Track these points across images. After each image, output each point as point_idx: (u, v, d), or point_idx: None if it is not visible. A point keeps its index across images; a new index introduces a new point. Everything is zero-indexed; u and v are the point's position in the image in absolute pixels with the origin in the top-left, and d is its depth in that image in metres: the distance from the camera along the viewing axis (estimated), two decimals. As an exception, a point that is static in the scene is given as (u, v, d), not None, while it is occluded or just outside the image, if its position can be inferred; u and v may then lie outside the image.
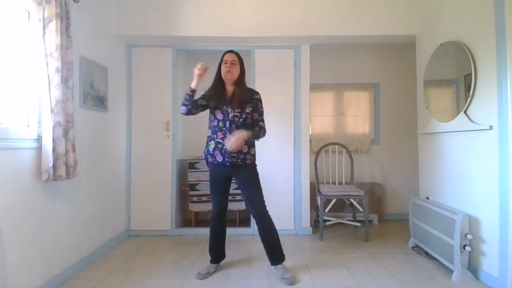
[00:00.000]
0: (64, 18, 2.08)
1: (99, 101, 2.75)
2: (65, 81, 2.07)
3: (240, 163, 2.22)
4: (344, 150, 3.62)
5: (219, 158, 2.22)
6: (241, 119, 2.21)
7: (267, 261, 2.53)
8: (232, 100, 2.22)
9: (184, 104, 2.23)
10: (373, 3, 3.05)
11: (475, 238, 2.23)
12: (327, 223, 3.38)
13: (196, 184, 3.49)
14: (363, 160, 4.07)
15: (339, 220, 3.45)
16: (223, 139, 2.19)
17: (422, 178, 3.02)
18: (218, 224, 2.37)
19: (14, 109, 1.93)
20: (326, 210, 3.34)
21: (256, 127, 2.23)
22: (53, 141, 1.98)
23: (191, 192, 3.49)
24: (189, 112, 2.24)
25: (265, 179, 3.28)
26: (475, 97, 2.27)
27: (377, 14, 3.04)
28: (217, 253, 2.41)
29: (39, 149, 1.99)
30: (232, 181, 2.37)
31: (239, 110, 2.21)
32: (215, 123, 2.24)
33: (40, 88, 2.01)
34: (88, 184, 2.57)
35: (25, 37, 2.00)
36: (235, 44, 3.30)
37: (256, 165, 2.32)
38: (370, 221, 3.71)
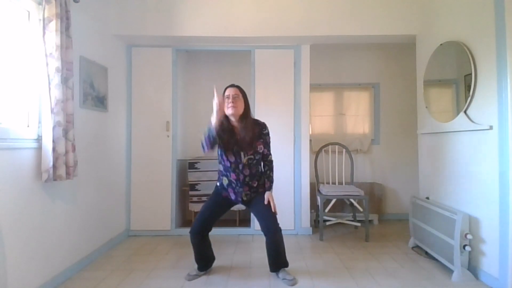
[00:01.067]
0: (64, 18, 2.08)
1: (99, 101, 2.75)
2: (65, 81, 2.07)
3: (253, 196, 2.27)
4: (344, 150, 3.62)
5: (232, 196, 2.27)
6: (254, 161, 2.21)
7: (267, 261, 2.54)
8: (243, 142, 2.16)
9: (206, 144, 2.08)
10: (373, 3, 3.05)
11: (475, 238, 2.23)
12: (327, 223, 3.38)
13: (196, 184, 3.49)
14: (363, 160, 4.07)
15: (339, 220, 3.45)
16: (236, 180, 2.21)
17: (422, 178, 3.02)
18: (198, 240, 2.27)
19: (14, 109, 1.93)
20: (326, 210, 3.34)
21: (267, 171, 2.27)
22: (53, 141, 1.98)
23: (191, 192, 3.49)
24: (211, 149, 2.14)
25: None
26: (475, 97, 2.27)
27: (377, 14, 3.04)
28: (203, 262, 2.35)
29: (39, 149, 1.99)
30: None
31: (251, 152, 2.18)
32: (228, 164, 2.20)
33: (40, 88, 2.01)
34: (88, 184, 2.57)
35: (25, 37, 2.00)
36: (235, 44, 3.30)
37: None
38: (370, 221, 3.71)
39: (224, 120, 2.17)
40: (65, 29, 2.09)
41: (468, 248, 2.20)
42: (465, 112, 2.35)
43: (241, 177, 2.20)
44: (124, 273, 2.37)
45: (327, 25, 3.07)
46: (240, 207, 3.44)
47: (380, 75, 4.08)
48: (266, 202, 2.21)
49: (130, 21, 3.05)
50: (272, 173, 2.30)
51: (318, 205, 3.36)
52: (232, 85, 2.24)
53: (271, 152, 2.31)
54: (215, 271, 2.41)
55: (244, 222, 3.57)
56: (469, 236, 2.20)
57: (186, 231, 3.33)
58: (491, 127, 2.11)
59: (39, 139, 2.02)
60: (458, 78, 2.53)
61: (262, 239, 3.12)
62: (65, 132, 2.07)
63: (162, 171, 3.32)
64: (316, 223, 3.56)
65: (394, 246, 2.97)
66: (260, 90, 3.34)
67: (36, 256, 1.97)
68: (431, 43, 2.81)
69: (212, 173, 3.49)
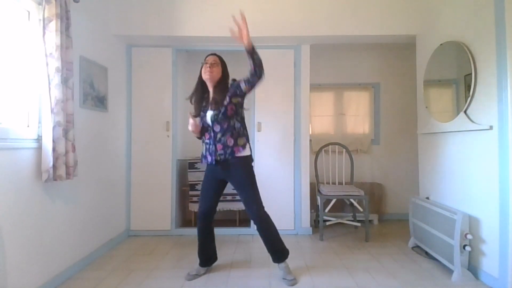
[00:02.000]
0: (64, 18, 2.08)
1: (99, 101, 2.75)
2: (65, 81, 2.07)
3: (229, 157, 2.16)
4: (344, 150, 3.62)
5: (209, 159, 2.22)
6: (220, 115, 2.16)
7: (267, 261, 2.54)
8: (210, 102, 2.23)
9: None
10: (373, 3, 3.05)
11: (475, 238, 2.23)
12: (327, 223, 3.38)
13: (196, 184, 3.48)
14: (363, 160, 4.07)
15: (339, 220, 3.44)
16: (209, 138, 2.22)
17: (422, 178, 3.02)
18: (204, 225, 2.32)
19: (14, 109, 1.93)
20: (326, 210, 3.34)
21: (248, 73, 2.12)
22: (53, 141, 1.98)
23: (191, 192, 3.49)
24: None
25: (265, 179, 3.29)
26: (475, 97, 2.27)
27: (377, 14, 3.04)
28: (205, 256, 2.36)
29: (39, 149, 1.99)
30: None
31: (214, 107, 2.19)
32: (201, 125, 2.29)
33: (40, 88, 2.01)
34: (88, 184, 2.57)
35: (25, 37, 2.00)
36: (235, 44, 3.28)
37: (249, 162, 2.25)
38: (370, 221, 3.71)
39: (200, 85, 2.29)
40: (65, 29, 2.09)
41: (468, 248, 2.20)
42: (465, 112, 2.35)
43: (212, 134, 2.19)
44: (124, 273, 2.37)
45: (327, 25, 3.07)
46: (240, 206, 3.47)
47: (380, 75, 4.08)
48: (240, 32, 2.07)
49: (130, 21, 3.04)
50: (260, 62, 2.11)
51: (318, 205, 3.36)
52: (213, 54, 2.29)
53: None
54: (215, 270, 2.41)
55: (244, 222, 3.57)
56: (469, 236, 2.20)
57: (186, 231, 3.37)
58: (491, 127, 2.11)
59: (39, 139, 2.02)
60: (458, 78, 2.53)
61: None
62: (65, 132, 2.07)
63: (162, 171, 3.32)
64: (316, 223, 3.56)
65: (394, 246, 2.97)
66: (260, 90, 3.33)
67: (36, 256, 1.97)
68: (431, 43, 2.81)
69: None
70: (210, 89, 2.28)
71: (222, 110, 2.17)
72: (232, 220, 3.63)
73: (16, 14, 1.95)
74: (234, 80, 2.30)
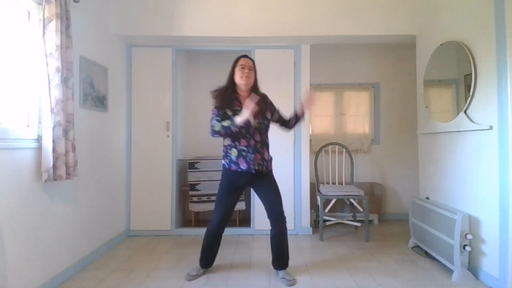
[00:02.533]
0: (64, 18, 2.08)
1: (99, 101, 2.75)
2: (65, 81, 2.07)
3: (265, 170, 2.21)
4: (344, 150, 3.62)
5: (243, 166, 2.14)
6: (263, 125, 2.20)
7: (267, 261, 2.54)
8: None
9: (222, 134, 2.12)
10: (373, 3, 3.05)
11: (475, 238, 2.23)
12: (327, 223, 3.38)
13: (196, 184, 3.49)
14: (363, 160, 4.07)
15: (339, 220, 3.45)
16: (247, 146, 2.14)
17: (422, 178, 3.02)
18: (218, 233, 2.30)
19: (14, 109, 1.93)
20: (326, 210, 3.34)
21: (287, 118, 2.33)
22: (53, 141, 1.98)
23: (191, 192, 3.49)
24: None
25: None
26: (475, 97, 2.27)
27: (377, 14, 3.04)
28: (208, 259, 2.36)
29: (39, 149, 1.99)
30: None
31: (261, 117, 2.18)
32: (234, 130, 2.13)
33: (40, 88, 2.01)
34: (88, 184, 2.57)
35: (25, 37, 2.00)
36: (235, 44, 3.30)
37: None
38: (370, 221, 3.71)
39: (230, 87, 2.22)
40: (65, 29, 2.09)
41: (468, 248, 2.20)
42: (465, 112, 2.35)
43: (252, 142, 2.14)
44: (124, 273, 2.37)
45: (327, 25, 3.07)
46: (240, 206, 3.47)
47: (380, 75, 4.08)
48: (305, 104, 2.23)
49: (130, 21, 3.04)
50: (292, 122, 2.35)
51: (318, 205, 3.36)
52: (246, 56, 2.27)
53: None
54: (215, 271, 2.41)
55: (244, 222, 3.57)
56: (469, 236, 2.20)
57: (186, 231, 3.37)
58: (491, 127, 2.11)
59: (39, 139, 2.02)
60: (458, 78, 2.53)
61: (262, 239, 3.14)
62: (65, 132, 2.07)
63: (162, 171, 3.32)
64: (316, 223, 3.56)
65: (394, 246, 2.97)
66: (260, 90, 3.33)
67: (36, 256, 1.97)
68: (431, 43, 2.81)
69: (212, 173, 3.49)
70: (243, 92, 2.23)
71: (266, 123, 2.22)
72: (232, 220, 3.61)
73: (16, 14, 1.95)
74: (266, 97, 2.31)
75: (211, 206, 3.49)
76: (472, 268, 2.27)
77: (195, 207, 3.49)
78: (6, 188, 1.75)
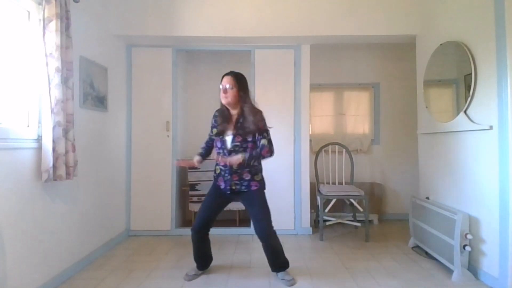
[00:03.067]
0: (64, 18, 2.08)
1: (99, 101, 2.75)
2: (65, 81, 2.07)
3: (245, 190, 2.18)
4: (344, 150, 3.62)
5: (222, 185, 2.21)
6: (241, 148, 2.12)
7: (267, 261, 2.54)
8: (236, 127, 2.15)
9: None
10: (373, 3, 3.05)
11: (475, 238, 2.23)
12: (327, 223, 3.38)
13: (196, 184, 3.49)
14: (363, 160, 4.06)
15: (339, 220, 3.45)
16: (225, 166, 2.16)
17: (422, 178, 3.02)
18: (198, 237, 2.27)
19: (14, 109, 1.93)
20: (326, 210, 3.34)
21: (257, 149, 2.14)
22: (53, 141, 1.97)
23: (191, 192, 3.49)
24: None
25: (265, 179, 3.29)
26: (475, 97, 2.27)
27: (377, 14, 3.04)
28: (202, 261, 2.35)
29: (39, 149, 1.99)
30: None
31: (240, 139, 2.13)
32: (217, 149, 2.24)
33: (40, 88, 2.01)
34: (88, 184, 2.57)
35: (25, 37, 2.00)
36: (235, 44, 3.30)
37: (262, 190, 2.24)
38: (370, 221, 3.71)
39: (224, 107, 2.22)
40: (65, 29, 2.09)
41: (468, 248, 2.20)
42: (465, 112, 2.35)
43: (225, 159, 2.10)
44: (124, 273, 2.37)
45: (327, 25, 3.07)
46: (240, 206, 3.47)
47: (380, 75, 4.08)
48: (233, 160, 2.05)
49: (130, 21, 3.04)
50: (261, 153, 2.11)
51: (318, 205, 3.36)
52: (227, 74, 2.18)
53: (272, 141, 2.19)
54: (215, 271, 2.41)
55: (244, 222, 3.56)
56: (469, 236, 2.20)
57: (186, 231, 3.36)
58: (491, 127, 2.11)
59: (39, 139, 2.02)
60: (458, 78, 2.53)
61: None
62: (65, 132, 2.07)
63: (162, 171, 3.32)
64: (316, 223, 3.56)
65: (394, 246, 2.97)
66: (260, 90, 3.33)
67: (36, 256, 1.97)
68: (431, 43, 2.81)
69: (212, 173, 3.46)
70: (232, 111, 2.21)
71: (244, 145, 2.13)
72: (232, 220, 3.63)
73: (16, 14, 1.95)
74: (261, 118, 2.17)
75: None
76: (472, 268, 2.27)
77: (195, 207, 3.48)
78: (6, 188, 1.75)
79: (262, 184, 2.25)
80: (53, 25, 1.98)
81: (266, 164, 3.30)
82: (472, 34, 2.32)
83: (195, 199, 3.48)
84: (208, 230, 2.29)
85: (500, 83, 2.04)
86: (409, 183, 3.90)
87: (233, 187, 2.18)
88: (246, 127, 2.12)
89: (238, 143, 2.13)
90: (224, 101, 2.16)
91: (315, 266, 2.50)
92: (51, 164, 1.95)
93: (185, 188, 3.61)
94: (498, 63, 2.05)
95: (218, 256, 2.70)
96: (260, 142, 2.14)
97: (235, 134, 2.14)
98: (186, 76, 3.95)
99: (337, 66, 4.09)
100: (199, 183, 3.49)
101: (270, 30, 3.08)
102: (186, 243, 3.07)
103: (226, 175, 2.17)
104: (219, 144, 2.20)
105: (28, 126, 2.01)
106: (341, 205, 3.68)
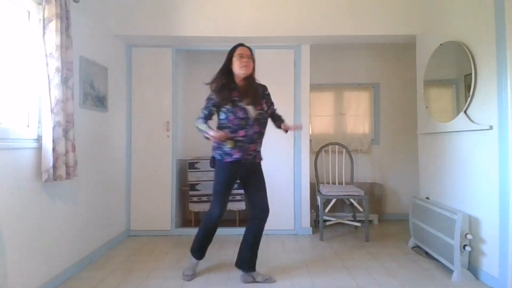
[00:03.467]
0: (64, 18, 2.08)
1: (99, 101, 2.75)
2: (65, 81, 2.07)
3: (252, 159, 2.19)
4: (344, 150, 3.62)
5: (237, 155, 2.11)
6: (262, 116, 2.19)
7: (266, 262, 2.56)
8: (248, 96, 2.14)
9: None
10: (373, 3, 3.05)
11: (475, 238, 2.23)
12: (327, 223, 3.38)
13: (196, 184, 3.48)
14: (363, 160, 4.06)
15: (339, 220, 3.45)
16: (244, 136, 2.10)
17: (422, 178, 3.02)
18: (216, 226, 2.27)
19: (14, 109, 1.93)
20: (326, 210, 3.34)
21: (280, 117, 2.34)
22: (53, 141, 1.97)
23: (191, 192, 3.49)
24: None
25: (265, 179, 3.29)
26: (475, 97, 2.27)
27: (377, 14, 3.04)
28: (203, 250, 2.33)
29: (39, 149, 1.99)
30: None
31: (259, 108, 2.17)
32: (236, 121, 2.09)
33: (40, 88, 2.01)
34: (88, 184, 2.57)
35: (25, 37, 2.00)
36: (235, 44, 3.29)
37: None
38: (370, 221, 3.71)
39: (226, 78, 2.18)
40: (65, 29, 2.09)
41: (468, 248, 2.20)
42: (465, 112, 2.35)
43: (250, 132, 2.11)
44: (124, 273, 2.37)
45: (327, 25, 3.07)
46: (240, 206, 3.47)
47: (380, 75, 4.08)
48: (290, 128, 2.26)
49: (130, 21, 3.04)
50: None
51: (318, 205, 3.36)
52: (243, 45, 2.23)
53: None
54: (215, 271, 2.41)
55: (244, 222, 3.54)
56: (469, 236, 2.20)
57: (186, 231, 3.37)
58: (491, 127, 2.11)
59: (39, 139, 2.02)
60: (458, 78, 2.53)
61: (262, 239, 3.13)
62: (65, 132, 2.07)
63: (162, 171, 3.32)
64: (316, 223, 3.56)
65: (394, 246, 2.97)
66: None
67: (36, 256, 1.97)
68: (431, 43, 2.81)
69: (212, 173, 3.46)
70: (240, 81, 2.18)
71: (265, 115, 2.21)
72: (232, 220, 3.63)
73: (16, 14, 1.95)
74: (265, 88, 2.30)
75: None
76: (472, 268, 2.27)
77: (195, 207, 3.49)
78: (6, 188, 1.75)
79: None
80: (53, 25, 1.98)
81: (266, 164, 3.31)
82: (472, 34, 2.32)
83: (195, 199, 3.48)
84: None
85: (500, 83, 2.04)
86: (409, 183, 3.90)
87: (249, 156, 2.16)
88: (257, 97, 2.19)
89: (261, 111, 2.18)
90: (244, 70, 2.14)
91: (315, 266, 2.49)
92: (51, 164, 1.95)
93: (185, 188, 3.61)
94: (498, 63, 2.05)
95: (218, 256, 2.70)
96: (274, 110, 2.36)
97: (253, 103, 2.15)
98: (186, 76, 3.95)
99: (337, 66, 4.08)
100: (199, 183, 3.49)
101: (270, 30, 3.08)
102: (186, 243, 3.07)
103: (246, 144, 2.12)
104: (240, 115, 2.09)
105: (28, 126, 2.01)
106: (341, 205, 3.68)
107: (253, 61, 2.22)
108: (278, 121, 2.35)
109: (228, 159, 2.14)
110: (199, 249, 2.32)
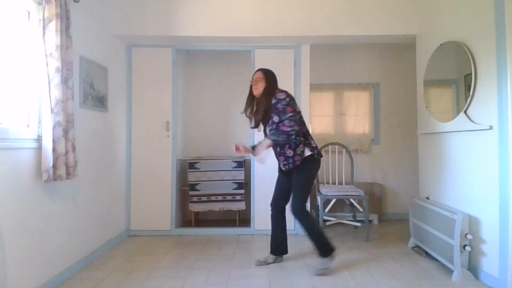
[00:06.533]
0: (64, 18, 2.08)
1: (99, 101, 2.75)
2: (65, 81, 2.07)
3: (291, 167, 2.33)
4: (344, 150, 3.62)
5: (280, 167, 2.45)
6: (273, 130, 2.32)
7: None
8: (259, 118, 2.40)
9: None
10: (373, 3, 3.05)
11: (475, 238, 2.23)
12: (327, 223, 3.38)
13: (196, 184, 3.49)
14: (363, 160, 4.06)
15: (339, 220, 3.45)
16: (273, 151, 2.42)
17: (422, 178, 3.02)
18: (273, 214, 2.53)
19: (14, 109, 1.93)
20: (326, 210, 3.34)
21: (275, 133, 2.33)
22: (53, 141, 1.97)
23: (191, 192, 3.49)
24: None
25: (265, 179, 3.30)
26: (475, 97, 2.27)
27: (377, 14, 3.04)
28: (274, 243, 2.54)
29: (39, 149, 1.99)
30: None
31: (270, 123, 2.35)
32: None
33: (40, 88, 2.01)
34: (88, 184, 2.57)
35: (25, 37, 2.00)
36: (235, 44, 3.30)
37: (309, 163, 2.35)
38: (370, 221, 3.71)
39: (250, 99, 2.49)
40: (65, 29, 2.09)
41: (468, 248, 2.20)
42: (465, 112, 2.35)
43: (274, 148, 2.39)
44: (124, 273, 2.37)
45: (327, 25, 3.07)
46: (240, 206, 3.47)
47: (380, 75, 4.08)
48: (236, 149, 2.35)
49: (130, 21, 3.04)
50: (278, 137, 2.26)
51: (318, 205, 3.36)
52: (258, 70, 2.51)
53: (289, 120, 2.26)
54: (215, 270, 2.41)
55: (244, 222, 3.57)
56: (469, 236, 2.20)
57: (186, 231, 3.37)
58: (491, 127, 2.10)
59: (39, 139, 2.02)
60: (458, 78, 2.53)
61: (262, 239, 3.15)
62: (65, 132, 2.07)
63: (162, 171, 3.32)
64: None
65: (394, 246, 2.97)
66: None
67: (36, 256, 1.97)
68: (431, 43, 2.81)
69: (212, 173, 3.49)
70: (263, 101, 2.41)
71: (274, 126, 2.31)
72: (232, 220, 3.63)
73: (16, 14, 1.95)
74: (275, 97, 2.33)
75: (211, 206, 3.50)
76: (472, 268, 2.26)
77: (195, 207, 3.49)
78: (6, 188, 1.75)
79: (307, 154, 2.33)
80: (53, 25, 1.97)
81: (266, 164, 3.32)
82: (472, 34, 2.32)
83: (195, 199, 3.49)
84: (282, 208, 2.52)
85: (500, 83, 2.04)
86: (409, 183, 3.90)
87: (283, 168, 2.38)
88: (260, 117, 2.45)
89: (271, 127, 2.38)
90: (255, 93, 2.44)
91: (315, 266, 2.49)
92: (51, 164, 1.95)
93: (185, 188, 3.61)
94: (498, 63, 2.05)
95: (218, 256, 2.70)
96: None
97: (266, 120, 2.42)
98: (186, 76, 3.95)
99: (337, 66, 4.08)
100: (199, 183, 3.49)
101: (270, 30, 3.08)
102: (186, 243, 3.07)
103: (276, 158, 2.43)
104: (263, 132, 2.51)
105: (28, 126, 2.01)
106: (341, 205, 3.68)
107: (267, 79, 2.42)
108: (301, 151, 2.35)
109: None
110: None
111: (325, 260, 2.36)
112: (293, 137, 2.28)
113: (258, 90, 2.38)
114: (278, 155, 2.39)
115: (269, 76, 2.43)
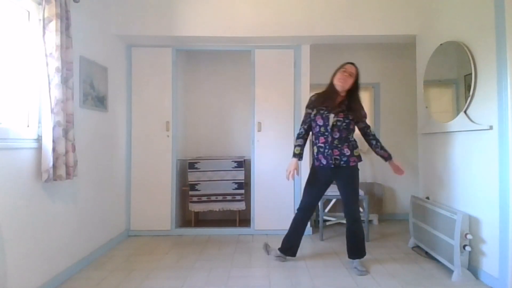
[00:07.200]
0: (64, 18, 2.08)
1: (99, 101, 2.75)
2: (65, 81, 2.07)
3: (344, 165, 2.34)
4: (344, 150, 3.62)
5: (323, 161, 2.37)
6: (344, 124, 2.32)
7: (267, 261, 2.55)
8: (340, 106, 2.35)
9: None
10: (373, 3, 3.05)
11: (475, 238, 2.23)
12: (327, 223, 3.38)
13: (196, 184, 3.49)
14: (363, 160, 4.03)
15: (339, 220, 3.44)
16: (324, 143, 2.35)
17: (422, 178, 3.02)
18: (300, 217, 2.50)
19: (14, 109, 1.93)
20: (326, 210, 3.34)
21: (377, 143, 2.50)
22: (53, 141, 1.98)
23: (191, 192, 3.49)
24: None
25: (265, 179, 3.30)
26: (475, 97, 2.27)
27: (377, 14, 3.04)
28: (287, 244, 2.53)
29: (39, 149, 1.99)
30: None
31: (342, 115, 2.33)
32: (317, 129, 2.40)
33: (40, 88, 2.01)
34: (88, 184, 2.57)
35: (25, 37, 2.00)
36: (235, 44, 3.30)
37: (358, 169, 2.44)
38: (370, 221, 3.71)
39: (331, 89, 2.41)
40: (65, 29, 2.09)
41: (468, 248, 2.20)
42: (465, 112, 2.35)
43: (330, 139, 2.33)
44: (124, 273, 2.37)
45: (327, 25, 3.07)
46: (240, 206, 3.47)
47: (380, 75, 4.08)
48: (397, 170, 2.47)
49: (130, 21, 3.04)
50: (382, 144, 2.47)
51: (318, 205, 3.36)
52: (352, 64, 2.48)
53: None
54: (215, 270, 2.41)
55: (244, 222, 3.56)
56: (469, 236, 2.20)
57: (186, 231, 3.37)
58: (491, 127, 2.10)
59: (39, 139, 2.02)
60: (458, 78, 2.53)
61: (262, 239, 3.14)
62: (65, 132, 2.07)
63: (162, 171, 3.32)
64: (316, 223, 3.56)
65: (394, 246, 2.97)
66: (260, 90, 3.34)
67: (36, 256, 1.97)
68: (431, 43, 2.81)
69: (212, 173, 3.49)
70: (341, 93, 2.39)
71: (347, 121, 2.33)
72: (232, 220, 3.63)
73: (16, 14, 1.95)
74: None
75: (211, 206, 3.50)
76: (472, 268, 2.26)
77: (195, 207, 3.49)
78: (6, 188, 1.75)
79: (359, 159, 2.42)
80: (53, 25, 1.98)
81: (266, 165, 3.33)
82: (472, 34, 2.32)
83: (195, 199, 3.49)
84: (311, 213, 2.55)
85: (500, 83, 2.04)
86: (409, 183, 3.90)
87: (335, 162, 2.34)
88: (355, 109, 2.38)
89: (340, 118, 2.33)
90: (341, 83, 2.36)
91: (315, 266, 2.49)
92: (51, 164, 1.95)
93: (185, 188, 3.61)
94: (498, 63, 2.05)
95: (218, 256, 2.70)
96: (364, 126, 2.48)
97: (339, 111, 2.35)
98: (186, 76, 3.95)
99: (337, 66, 4.06)
100: (199, 183, 3.49)
101: (270, 30, 3.08)
102: (186, 243, 3.07)
103: (327, 150, 2.34)
104: (320, 122, 2.37)
105: (28, 126, 2.01)
106: (341, 205, 3.67)
107: (356, 78, 2.41)
108: (384, 153, 2.50)
109: (316, 163, 2.42)
110: (284, 239, 2.55)
111: (363, 261, 2.45)
112: (353, 138, 2.40)
113: (348, 84, 2.36)
114: (331, 146, 2.34)
115: (358, 76, 2.46)
